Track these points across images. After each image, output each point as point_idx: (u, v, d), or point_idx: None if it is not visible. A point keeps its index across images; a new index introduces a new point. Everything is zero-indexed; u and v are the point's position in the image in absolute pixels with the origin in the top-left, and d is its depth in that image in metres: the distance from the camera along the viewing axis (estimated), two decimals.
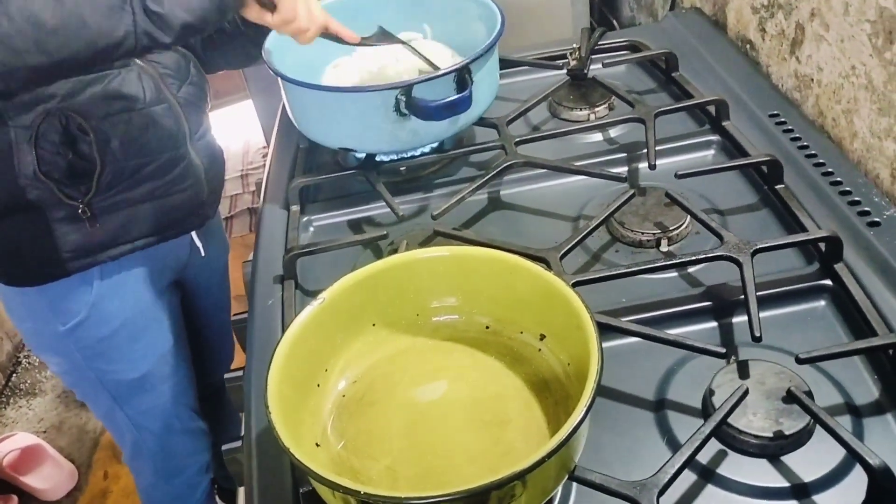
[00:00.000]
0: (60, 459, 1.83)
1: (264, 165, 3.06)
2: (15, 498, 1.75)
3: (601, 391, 0.64)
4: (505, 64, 0.96)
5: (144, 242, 0.97)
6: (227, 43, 1.03)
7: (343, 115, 0.85)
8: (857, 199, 0.78)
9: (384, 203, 0.87)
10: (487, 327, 0.65)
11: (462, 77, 0.84)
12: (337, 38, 0.87)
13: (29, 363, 2.16)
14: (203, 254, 1.12)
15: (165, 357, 1.09)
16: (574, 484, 0.59)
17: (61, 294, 0.96)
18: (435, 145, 0.93)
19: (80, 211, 0.89)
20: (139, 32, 0.72)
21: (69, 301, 0.97)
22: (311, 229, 0.90)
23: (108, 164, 0.88)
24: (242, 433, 0.81)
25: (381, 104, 0.82)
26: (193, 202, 1.00)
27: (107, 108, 0.88)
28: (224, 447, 0.76)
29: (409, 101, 0.82)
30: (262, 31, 0.92)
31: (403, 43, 0.94)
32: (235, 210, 2.67)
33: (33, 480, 1.76)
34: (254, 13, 0.79)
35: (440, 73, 0.83)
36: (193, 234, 1.08)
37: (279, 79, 0.89)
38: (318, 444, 0.58)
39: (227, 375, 0.82)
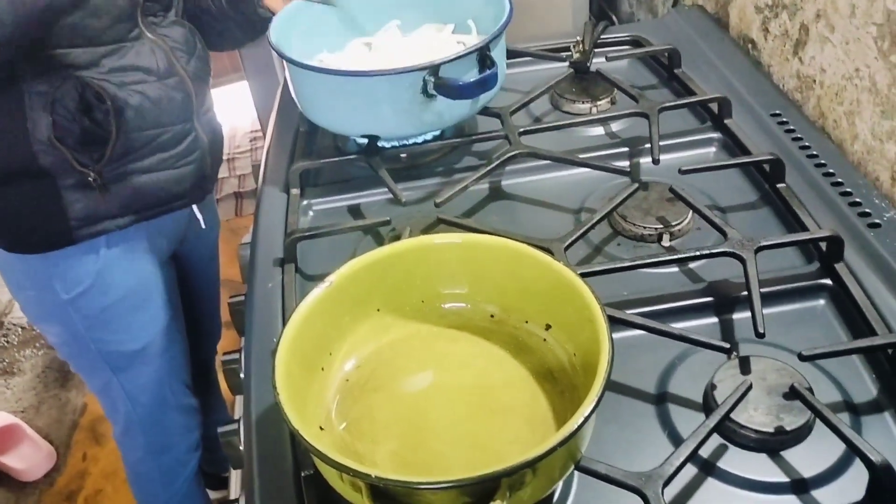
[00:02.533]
0: (38, 440, 1.81)
1: (252, 150, 3.04)
2: None
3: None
4: (508, 54, 0.95)
5: (150, 213, 0.98)
6: (213, 24, 1.04)
7: (364, 100, 0.84)
8: (857, 200, 0.78)
9: (384, 189, 0.87)
10: (493, 316, 0.65)
11: (483, 55, 0.84)
12: None
13: (7, 342, 2.13)
14: (203, 226, 1.13)
15: (164, 329, 1.10)
16: (576, 475, 0.59)
17: (66, 262, 0.96)
18: (437, 133, 0.93)
19: (91, 179, 0.90)
20: None
21: (74, 269, 0.97)
22: (311, 213, 0.90)
23: (121, 133, 0.89)
24: (237, 415, 0.81)
25: (410, 86, 0.82)
26: (198, 175, 1.01)
27: (122, 78, 0.89)
28: (220, 429, 0.76)
29: (437, 82, 0.81)
30: (247, 15, 0.92)
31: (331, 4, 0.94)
32: (221, 194, 2.64)
33: (10, 460, 1.74)
34: None
35: (465, 51, 0.83)
36: (194, 206, 1.09)
37: (287, 65, 0.88)
38: (322, 428, 0.57)
39: (222, 358, 0.81)
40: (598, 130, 0.97)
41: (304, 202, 0.90)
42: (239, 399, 1.12)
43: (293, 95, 0.93)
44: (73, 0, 0.80)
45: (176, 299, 1.14)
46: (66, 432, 1.88)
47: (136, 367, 1.10)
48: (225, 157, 2.82)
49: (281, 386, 0.52)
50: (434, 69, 0.82)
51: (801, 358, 0.61)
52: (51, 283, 0.98)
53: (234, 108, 2.95)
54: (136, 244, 1.01)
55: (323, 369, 0.61)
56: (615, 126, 0.97)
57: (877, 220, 0.76)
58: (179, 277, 1.18)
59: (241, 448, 0.71)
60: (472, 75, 0.84)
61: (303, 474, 0.59)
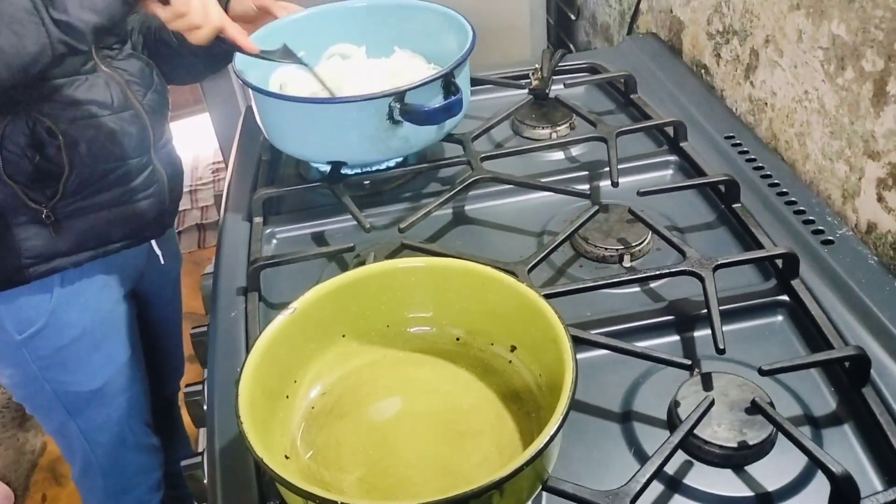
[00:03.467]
0: None
1: (214, 181, 3.02)
2: None
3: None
4: (470, 82, 0.97)
5: (106, 250, 0.96)
6: (173, 57, 1.03)
7: (330, 127, 0.85)
8: (811, 218, 0.80)
9: (348, 216, 0.87)
10: (458, 339, 0.65)
11: (448, 82, 0.85)
12: (234, 46, 0.85)
13: None
14: (162, 261, 1.11)
15: (123, 368, 1.07)
16: (545, 495, 0.59)
17: (18, 302, 0.93)
18: (400, 159, 0.93)
19: (43, 216, 0.88)
20: (54, 43, 0.73)
21: (26, 309, 0.94)
22: (275, 241, 0.89)
23: (75, 169, 0.88)
24: (200, 448, 0.79)
25: (375, 112, 0.83)
26: (156, 210, 1.00)
27: (75, 113, 0.87)
28: (182, 463, 0.74)
29: (403, 108, 0.82)
30: (210, 48, 0.92)
31: (304, 64, 0.94)
32: (184, 226, 2.62)
33: None
34: (150, 5, 0.78)
35: (430, 78, 0.83)
36: (153, 242, 1.07)
37: (252, 93, 0.88)
38: (287, 457, 0.56)
39: (185, 389, 0.80)
40: (559, 155, 0.99)
41: (268, 230, 0.89)
42: (203, 432, 1.10)
43: (259, 123, 0.93)
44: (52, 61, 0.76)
45: (135, 337, 1.11)
46: (24, 473, 1.83)
47: (94, 407, 1.07)
48: (187, 189, 2.80)
49: (244, 415, 0.51)
50: (400, 95, 0.82)
51: (761, 373, 0.62)
52: (3, 323, 0.95)
53: (195, 140, 2.94)
54: (91, 282, 0.99)
55: (288, 397, 0.60)
56: (574, 150, 0.99)
57: (830, 237, 0.78)
58: (140, 314, 1.16)
59: (206, 481, 0.70)
60: (437, 101, 0.85)
61: None
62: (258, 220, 0.89)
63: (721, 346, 0.64)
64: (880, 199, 0.76)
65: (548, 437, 0.48)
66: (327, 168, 0.91)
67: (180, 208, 2.94)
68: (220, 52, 1.01)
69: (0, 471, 1.82)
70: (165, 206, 1.02)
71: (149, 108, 0.96)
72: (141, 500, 1.20)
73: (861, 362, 0.63)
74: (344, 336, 0.64)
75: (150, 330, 1.20)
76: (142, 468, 1.18)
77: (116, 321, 1.05)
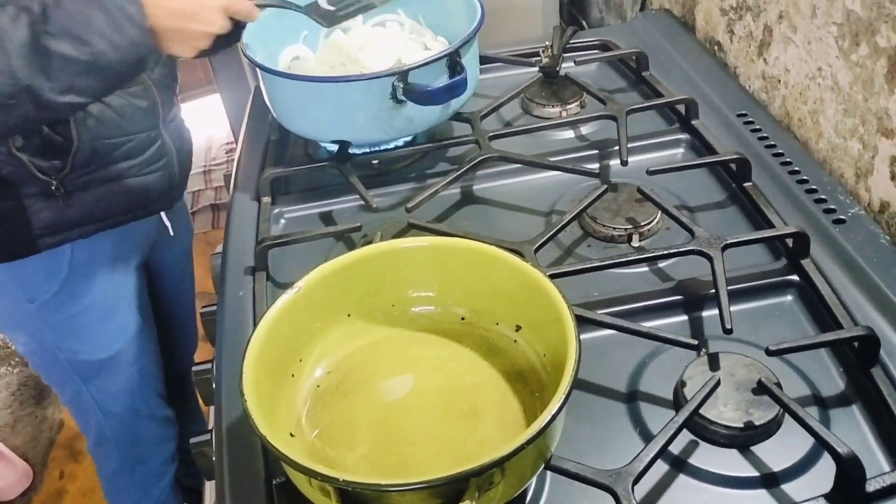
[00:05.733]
0: (14, 458, 1.78)
1: (228, 161, 3.03)
2: None
3: (575, 383, 0.65)
4: (479, 60, 0.96)
5: (115, 221, 0.97)
6: None
7: (335, 106, 0.84)
8: (822, 197, 0.79)
9: (356, 196, 0.87)
10: (463, 318, 0.65)
11: (453, 61, 0.84)
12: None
13: None
14: (172, 233, 1.12)
15: (134, 339, 1.09)
16: (548, 474, 0.59)
17: (32, 271, 0.95)
18: (409, 139, 0.93)
19: (53, 187, 0.88)
20: (32, 120, 0.71)
21: (39, 278, 0.96)
22: (283, 221, 0.89)
23: (84, 142, 0.88)
24: (211, 425, 0.80)
25: (378, 91, 0.82)
26: (165, 183, 1.01)
27: None
28: (192, 440, 0.75)
29: (406, 87, 0.81)
30: None
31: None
32: (198, 206, 2.63)
33: None
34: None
35: (434, 57, 0.83)
36: (163, 214, 1.08)
37: (258, 72, 0.88)
38: (292, 435, 0.57)
39: (194, 368, 0.80)
40: (568, 133, 0.98)
41: (276, 210, 0.89)
42: (213, 410, 1.11)
43: (266, 102, 0.93)
44: None
45: (146, 309, 1.13)
46: (42, 450, 1.86)
47: (107, 376, 1.09)
48: (201, 169, 2.81)
49: (249, 393, 0.51)
50: (403, 75, 0.82)
51: (768, 353, 0.61)
52: (17, 291, 0.97)
53: (209, 120, 2.94)
54: (102, 252, 1.00)
55: (293, 375, 0.60)
56: (584, 129, 0.98)
57: (842, 217, 0.77)
58: (152, 286, 1.17)
59: (213, 458, 0.71)
60: (442, 81, 0.85)
61: (274, 482, 0.59)
62: (266, 199, 0.89)
63: (728, 326, 0.64)
64: (893, 177, 0.75)
65: (549, 417, 0.48)
66: (335, 148, 0.91)
67: (194, 188, 2.95)
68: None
69: (19, 448, 1.85)
70: (174, 179, 1.03)
71: (158, 82, 0.96)
72: (156, 472, 1.22)
73: (870, 342, 0.62)
74: (349, 315, 0.64)
75: (163, 303, 1.22)
76: (156, 439, 1.20)
77: (127, 292, 1.07)
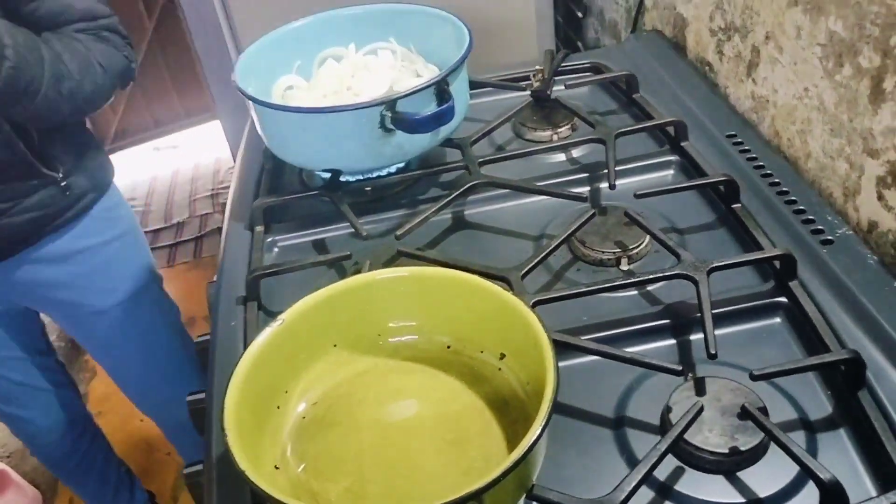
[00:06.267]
0: (24, 484, 1.80)
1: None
2: None
3: (560, 409, 0.66)
4: (470, 85, 0.97)
5: None
6: None
7: (326, 136, 0.85)
8: (811, 217, 0.79)
9: (348, 223, 0.88)
10: (448, 347, 0.65)
11: (441, 89, 0.85)
12: None
13: None
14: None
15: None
16: (533, 502, 0.59)
17: None
18: (401, 165, 0.94)
19: None
20: None
21: None
22: (276, 250, 0.90)
23: None
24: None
25: (367, 121, 0.83)
26: None
27: None
28: (185, 470, 0.75)
29: (394, 116, 0.82)
30: None
31: None
32: (206, 229, 2.65)
33: None
34: None
35: (421, 86, 0.84)
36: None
37: (250, 103, 0.89)
38: (277, 467, 0.57)
39: (188, 398, 0.81)
40: (560, 157, 0.99)
41: (269, 239, 0.90)
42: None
43: (259, 131, 0.94)
44: None
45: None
46: (51, 477, 1.87)
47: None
48: (209, 193, 2.84)
49: (230, 428, 0.52)
50: (391, 104, 0.83)
51: (753, 377, 0.61)
52: None
53: (217, 144, 2.97)
54: None
55: (279, 407, 0.61)
56: (576, 152, 0.99)
57: (830, 237, 0.77)
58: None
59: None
60: (430, 108, 0.86)
61: None
62: (259, 228, 0.90)
63: (713, 351, 0.64)
64: (880, 197, 0.75)
65: (526, 447, 0.48)
66: (329, 175, 0.92)
67: (201, 212, 2.96)
68: None
69: (29, 474, 1.86)
70: None
71: None
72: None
73: (856, 366, 0.62)
74: (335, 346, 0.65)
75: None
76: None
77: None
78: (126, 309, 1.24)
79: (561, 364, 0.55)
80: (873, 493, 0.57)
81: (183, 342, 1.37)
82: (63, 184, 1.08)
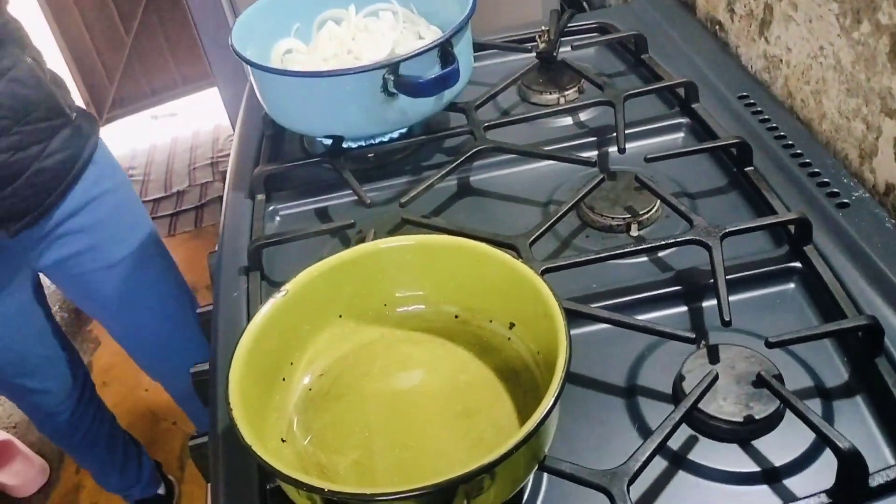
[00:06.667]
0: (31, 455, 1.81)
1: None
2: None
3: (571, 379, 0.64)
4: (474, 47, 0.94)
5: None
6: None
7: (327, 101, 0.83)
8: (825, 180, 0.77)
9: (351, 191, 0.86)
10: (456, 316, 0.64)
11: (445, 51, 0.82)
12: None
13: None
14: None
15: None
16: (546, 474, 0.58)
17: None
18: (404, 131, 0.92)
19: None
20: None
21: None
22: (278, 219, 0.89)
23: None
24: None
25: (369, 85, 0.81)
26: None
27: None
28: (191, 442, 0.75)
29: (397, 80, 0.80)
30: None
31: None
32: (206, 198, 2.64)
33: (4, 477, 1.74)
34: None
35: (425, 48, 0.81)
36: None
37: (249, 68, 0.87)
38: (283, 440, 0.56)
39: (192, 370, 0.80)
40: (567, 120, 0.96)
41: (270, 208, 0.89)
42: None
43: (258, 97, 0.92)
44: None
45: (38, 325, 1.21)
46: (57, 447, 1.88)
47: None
48: (208, 161, 2.82)
49: (235, 401, 0.51)
50: (394, 67, 0.81)
51: (768, 345, 0.60)
52: None
53: (216, 111, 2.94)
54: None
55: (284, 379, 0.60)
56: (583, 115, 0.96)
57: (845, 200, 0.75)
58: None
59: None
60: (434, 71, 0.83)
61: (268, 487, 0.58)
62: (260, 197, 0.88)
63: (727, 318, 0.63)
64: None
65: (540, 418, 0.47)
66: (330, 141, 0.90)
67: (202, 181, 2.94)
68: None
69: (36, 444, 1.87)
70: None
71: None
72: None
73: (873, 332, 0.61)
74: (341, 316, 0.63)
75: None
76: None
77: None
78: (137, 260, 1.23)
79: (571, 333, 0.53)
80: (891, 460, 0.56)
81: (191, 301, 1.36)
82: (76, 124, 1.06)
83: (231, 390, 0.51)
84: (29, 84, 0.99)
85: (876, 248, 0.69)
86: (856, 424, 0.59)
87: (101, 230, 1.18)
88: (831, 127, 0.82)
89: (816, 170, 0.79)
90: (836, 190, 0.76)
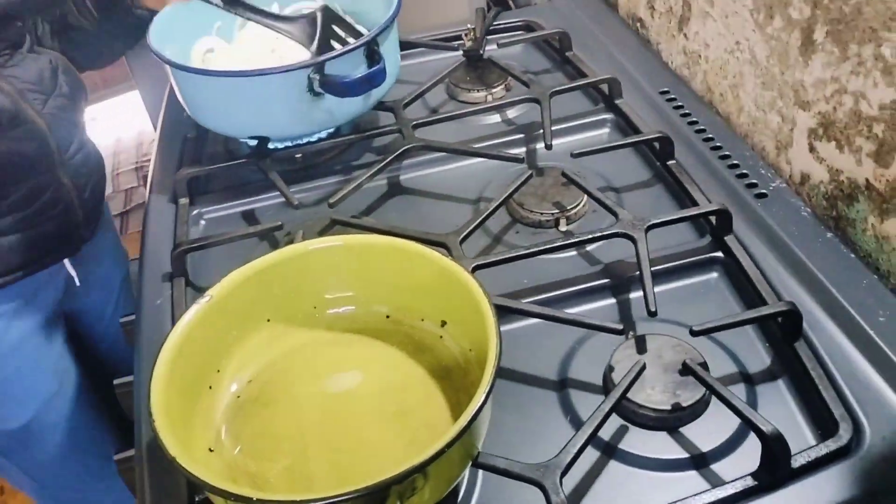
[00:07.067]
0: None
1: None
2: None
3: (503, 374, 0.64)
4: (401, 46, 0.94)
5: (9, 279, 0.88)
6: (89, 41, 0.96)
7: (251, 101, 0.81)
8: (744, 171, 0.80)
9: (279, 192, 0.84)
10: (388, 316, 0.63)
11: (371, 50, 0.82)
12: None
13: None
14: (77, 283, 1.01)
15: (52, 403, 0.98)
16: (479, 469, 0.58)
17: None
18: (331, 130, 0.91)
19: None
20: None
21: None
22: (203, 222, 0.86)
23: None
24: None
25: (294, 85, 0.79)
26: (65, 228, 0.91)
27: None
28: (116, 456, 0.72)
29: (323, 79, 0.79)
30: (122, 20, 0.86)
31: (260, 12, 0.88)
32: (131, 204, 2.56)
33: None
34: None
35: (350, 47, 0.80)
36: (67, 262, 0.98)
37: (169, 69, 0.84)
38: (211, 450, 0.55)
39: (116, 381, 0.77)
40: (495, 118, 0.97)
41: (195, 211, 0.86)
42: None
43: (179, 99, 0.89)
44: None
45: (65, 367, 1.01)
46: None
47: (27, 447, 0.98)
48: (132, 166, 2.73)
49: (158, 411, 0.49)
50: (319, 66, 0.79)
51: (693, 333, 0.61)
52: None
53: (138, 115, 2.86)
54: None
55: (211, 388, 0.58)
56: (511, 113, 0.97)
57: (764, 191, 0.77)
58: (82, 335, 1.07)
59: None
60: (360, 71, 0.82)
61: (197, 499, 0.57)
62: (183, 201, 0.86)
63: (653, 309, 0.64)
64: (812, 149, 0.75)
65: (471, 416, 0.47)
66: (255, 143, 0.88)
67: (126, 186, 2.85)
68: (133, 20, 0.95)
69: None
70: (78, 220, 0.93)
71: (51, 116, 0.86)
72: None
73: (793, 317, 0.63)
74: (269, 320, 0.62)
75: (100, 349, 1.12)
76: (106, 492, 1.09)
77: (32, 352, 0.95)
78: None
79: (503, 328, 0.53)
80: (812, 441, 0.58)
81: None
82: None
83: (153, 401, 0.49)
84: None
85: (793, 237, 0.71)
86: (778, 407, 0.60)
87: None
88: (749, 120, 0.85)
89: (735, 162, 0.81)
90: (754, 181, 0.78)
